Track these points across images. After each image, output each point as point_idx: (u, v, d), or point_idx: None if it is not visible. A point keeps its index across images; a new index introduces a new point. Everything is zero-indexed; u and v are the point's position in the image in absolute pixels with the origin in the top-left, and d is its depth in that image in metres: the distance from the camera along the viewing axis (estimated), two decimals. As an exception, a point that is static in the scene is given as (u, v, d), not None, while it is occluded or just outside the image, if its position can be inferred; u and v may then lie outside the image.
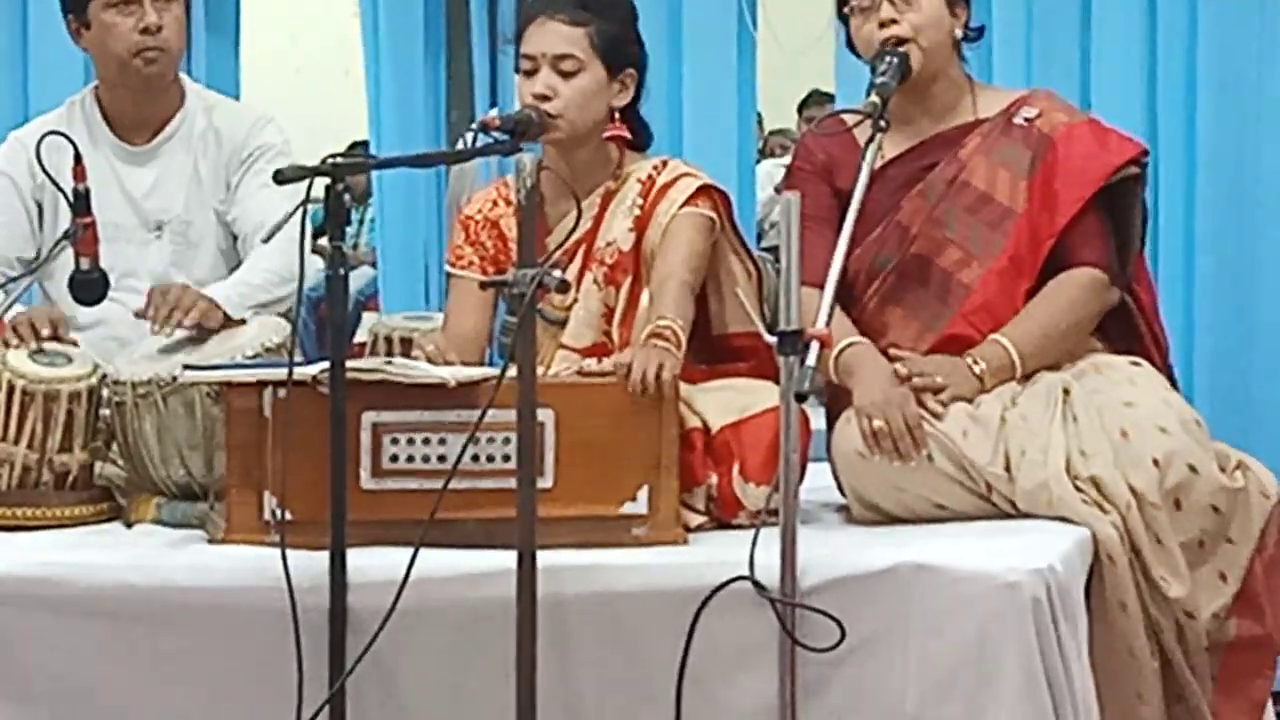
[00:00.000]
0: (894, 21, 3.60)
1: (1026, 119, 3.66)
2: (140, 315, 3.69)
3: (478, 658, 3.17)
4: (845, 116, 3.73)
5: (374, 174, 6.00)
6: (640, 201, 3.67)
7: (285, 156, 4.12)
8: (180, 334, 3.65)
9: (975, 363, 3.50)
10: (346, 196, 3.23)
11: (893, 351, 3.52)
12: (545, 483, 3.21)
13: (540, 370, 3.27)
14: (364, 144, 7.04)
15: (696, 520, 3.39)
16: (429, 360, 3.48)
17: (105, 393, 3.60)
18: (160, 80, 4.08)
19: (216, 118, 4.16)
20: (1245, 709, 3.43)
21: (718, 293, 3.71)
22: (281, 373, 3.24)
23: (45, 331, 3.68)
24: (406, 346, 4.02)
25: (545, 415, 3.22)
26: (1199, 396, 4.84)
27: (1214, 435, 3.52)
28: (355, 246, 9.65)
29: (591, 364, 3.45)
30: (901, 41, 3.59)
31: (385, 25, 6.06)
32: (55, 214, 4.06)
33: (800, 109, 10.00)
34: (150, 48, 4.04)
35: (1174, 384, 3.65)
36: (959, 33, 3.68)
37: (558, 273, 3.08)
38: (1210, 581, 3.39)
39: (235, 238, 4.15)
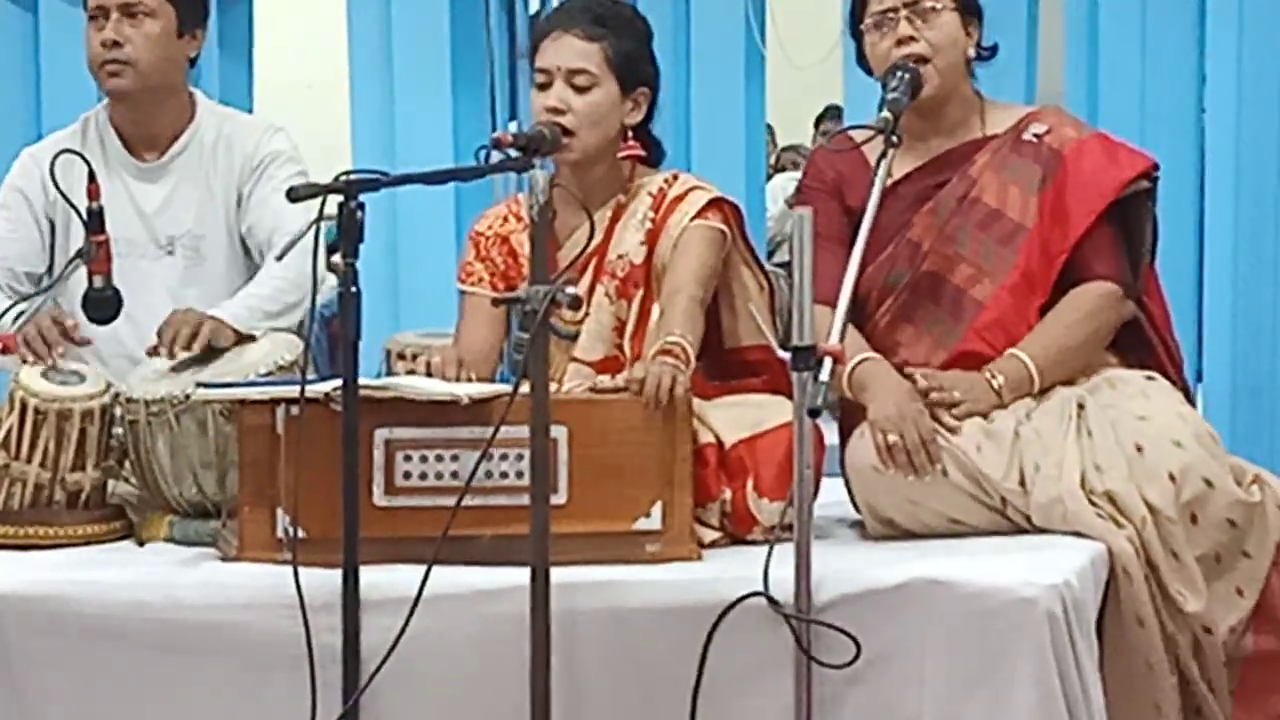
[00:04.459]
0: (912, 39, 3.60)
1: (1036, 135, 3.66)
2: (151, 353, 3.67)
3: (491, 674, 3.16)
4: (855, 134, 3.73)
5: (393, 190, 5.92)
6: (651, 214, 3.67)
7: (294, 162, 4.13)
8: (187, 354, 3.64)
9: (993, 377, 3.49)
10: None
11: (908, 369, 3.52)
12: (559, 499, 3.20)
13: (552, 385, 3.26)
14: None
15: (710, 536, 3.39)
16: (429, 372, 3.48)
17: (118, 411, 3.60)
18: (126, 94, 4.07)
19: (227, 130, 4.16)
20: None
21: (730, 306, 3.71)
22: (294, 390, 3.23)
23: (57, 343, 3.67)
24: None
25: (558, 432, 3.21)
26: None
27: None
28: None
29: (604, 380, 3.44)
30: (920, 60, 3.59)
31: (400, 42, 6.04)
32: (68, 231, 4.06)
33: (816, 123, 9.99)
34: (110, 61, 4.04)
35: (1189, 396, 3.64)
36: (972, 51, 3.68)
37: (570, 288, 3.08)
38: (1227, 596, 3.38)
39: (248, 250, 4.15)
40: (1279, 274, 5.22)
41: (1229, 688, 3.38)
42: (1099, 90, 5.34)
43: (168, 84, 4.12)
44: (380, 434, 3.26)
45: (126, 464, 3.64)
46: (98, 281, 3.66)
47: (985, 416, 3.46)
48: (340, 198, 3.15)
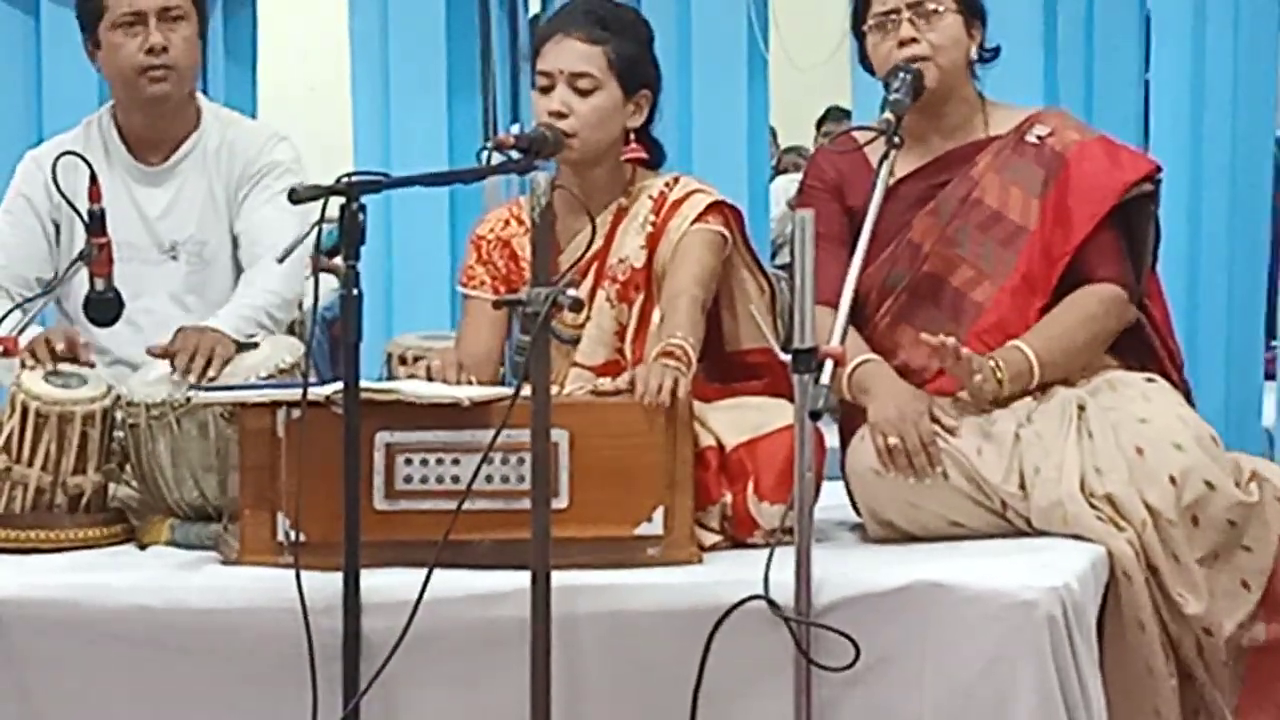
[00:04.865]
0: (914, 40, 3.60)
1: (1039, 137, 3.65)
2: (157, 354, 3.66)
3: (492, 678, 3.16)
4: (857, 134, 3.73)
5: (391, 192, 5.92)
6: (652, 218, 3.67)
7: (294, 175, 4.11)
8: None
9: (996, 365, 3.49)
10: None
11: (923, 337, 3.48)
12: (560, 503, 3.20)
13: (554, 389, 3.26)
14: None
15: (711, 539, 3.39)
16: (430, 376, 3.48)
17: (119, 414, 3.60)
18: (168, 99, 4.07)
19: (230, 135, 4.15)
20: (1273, 711, 3.41)
21: (731, 309, 3.71)
22: (295, 393, 3.24)
23: (60, 347, 3.67)
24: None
25: (559, 435, 3.21)
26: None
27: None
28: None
29: (605, 383, 3.44)
30: (922, 61, 3.58)
31: (400, 45, 6.04)
32: (72, 234, 4.06)
33: (818, 125, 9.99)
34: (155, 66, 4.03)
35: (1190, 399, 3.64)
36: (974, 53, 3.67)
37: (572, 291, 3.08)
38: (1233, 590, 3.38)
39: None
40: (1275, 275, 5.22)
41: (1238, 679, 3.38)
42: (1095, 91, 5.34)
43: (193, 88, 4.14)
44: (381, 437, 3.26)
45: (127, 467, 3.64)
46: (99, 284, 3.65)
47: (984, 412, 3.45)
48: (341, 200, 3.15)
